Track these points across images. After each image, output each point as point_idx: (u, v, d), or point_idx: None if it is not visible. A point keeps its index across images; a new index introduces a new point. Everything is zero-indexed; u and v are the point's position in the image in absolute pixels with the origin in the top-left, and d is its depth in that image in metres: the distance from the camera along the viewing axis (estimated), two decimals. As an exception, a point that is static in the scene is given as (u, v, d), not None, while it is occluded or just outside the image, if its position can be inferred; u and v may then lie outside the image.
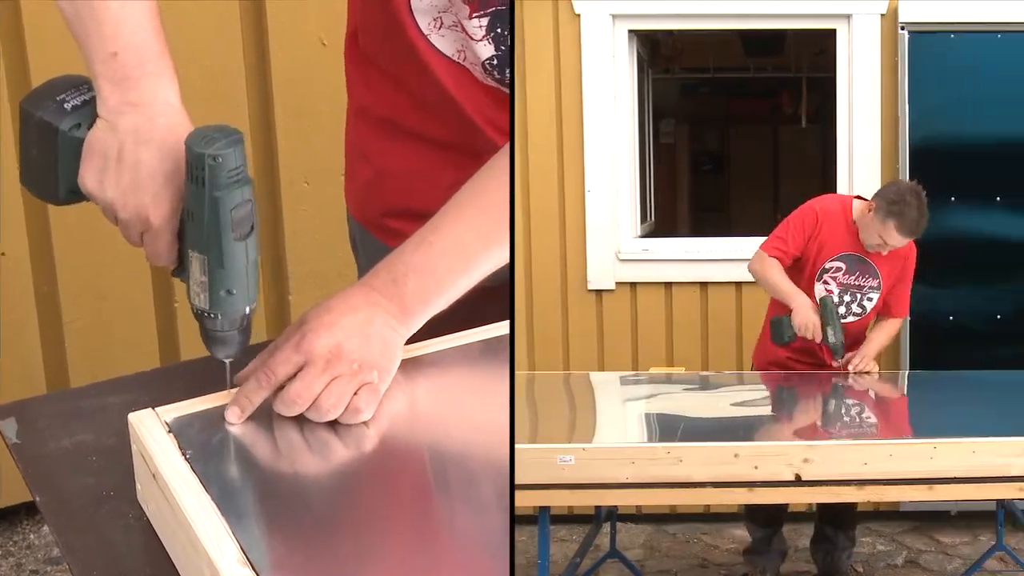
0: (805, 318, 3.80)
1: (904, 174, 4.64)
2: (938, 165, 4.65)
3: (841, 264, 3.93)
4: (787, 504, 3.92)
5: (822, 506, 4.11)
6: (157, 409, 1.57)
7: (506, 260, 1.74)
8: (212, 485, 1.40)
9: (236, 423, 1.58)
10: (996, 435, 2.78)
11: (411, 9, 1.85)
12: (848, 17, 4.79)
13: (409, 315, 1.67)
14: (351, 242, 2.38)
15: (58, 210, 3.81)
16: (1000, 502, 3.94)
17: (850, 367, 3.87)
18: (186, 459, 1.46)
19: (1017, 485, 2.72)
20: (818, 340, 3.82)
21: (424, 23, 1.87)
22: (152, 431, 1.51)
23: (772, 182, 7.98)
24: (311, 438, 1.56)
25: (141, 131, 1.53)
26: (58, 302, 3.93)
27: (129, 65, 1.53)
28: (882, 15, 4.74)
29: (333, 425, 1.58)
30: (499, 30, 1.85)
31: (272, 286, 4.04)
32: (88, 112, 1.57)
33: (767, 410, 3.88)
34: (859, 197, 4.04)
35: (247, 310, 1.61)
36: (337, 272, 3.87)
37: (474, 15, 1.83)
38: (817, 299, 3.87)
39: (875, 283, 3.93)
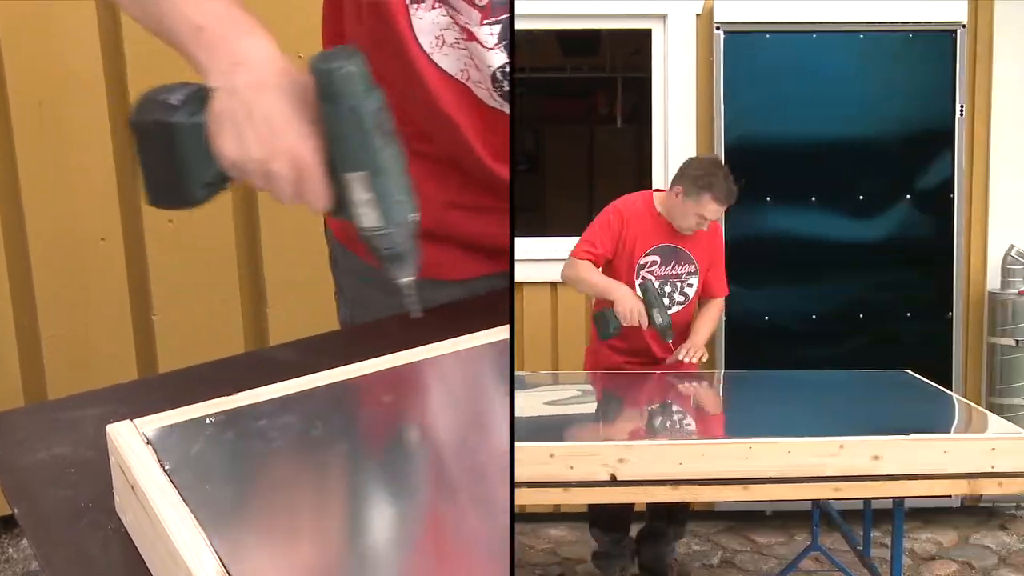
0: (628, 305, 3.80)
1: (719, 174, 4.65)
2: (753, 165, 4.68)
3: (655, 257, 3.95)
4: (632, 506, 3.95)
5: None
6: (135, 421, 1.52)
7: None
8: (191, 497, 1.37)
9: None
10: (811, 435, 2.78)
11: (412, 28, 1.80)
12: (663, 17, 4.80)
13: None
14: (330, 260, 2.31)
15: (35, 222, 3.85)
16: (815, 502, 3.96)
17: (682, 358, 3.89)
18: (165, 471, 1.42)
19: (832, 485, 2.73)
20: (644, 326, 3.83)
21: (426, 42, 1.82)
22: (130, 443, 1.47)
23: (587, 182, 8.03)
24: (297, 446, 1.51)
25: (259, 83, 1.53)
26: (36, 314, 3.94)
27: (219, 32, 1.54)
28: (697, 15, 4.76)
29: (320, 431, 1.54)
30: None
31: (249, 298, 4.04)
32: (196, 99, 1.56)
33: (582, 409, 3.83)
34: (657, 190, 4.12)
35: (417, 215, 1.61)
36: (313, 284, 3.82)
37: (485, 22, 1.79)
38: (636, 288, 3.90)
39: (691, 268, 3.98)
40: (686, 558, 4.59)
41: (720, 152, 4.66)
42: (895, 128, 4.70)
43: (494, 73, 1.84)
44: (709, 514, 4.91)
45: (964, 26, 4.62)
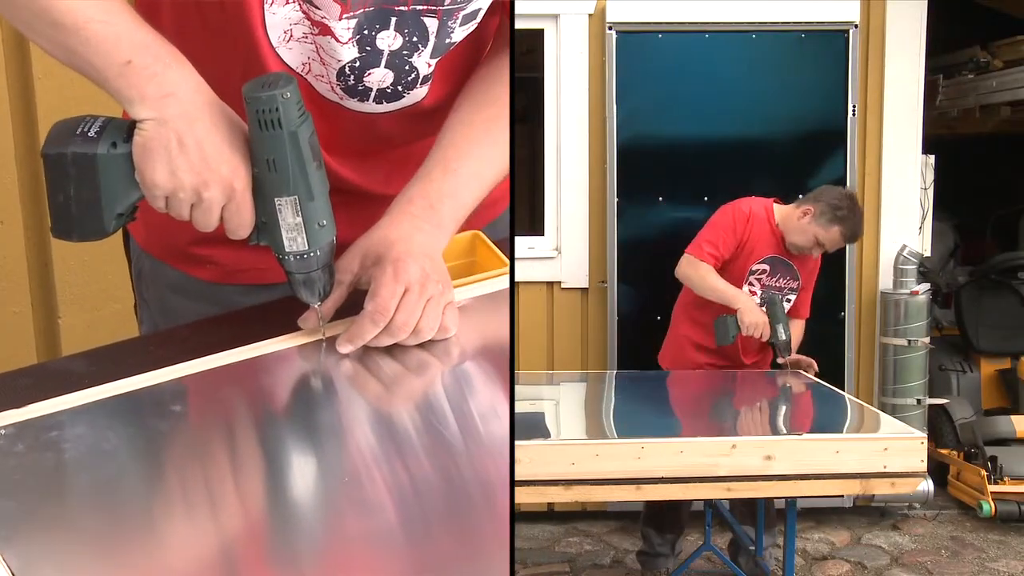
0: (755, 318, 3.82)
1: (612, 174, 4.64)
2: (646, 165, 4.68)
3: (766, 266, 3.98)
4: (688, 506, 4.00)
5: (738, 506, 4.04)
6: None
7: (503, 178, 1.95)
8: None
9: (349, 351, 1.74)
10: (703, 435, 2.75)
11: (264, 23, 1.79)
12: (556, 17, 4.77)
13: (446, 234, 1.86)
14: (135, 274, 2.27)
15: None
16: (707, 502, 3.93)
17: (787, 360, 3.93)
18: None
19: (724, 485, 2.70)
20: (766, 338, 3.86)
21: (275, 36, 1.81)
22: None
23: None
24: (90, 457, 1.51)
25: (189, 113, 1.58)
26: None
27: (148, 64, 1.57)
28: (590, 15, 4.74)
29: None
30: (366, 32, 1.82)
31: (40, 308, 3.90)
32: (112, 132, 1.59)
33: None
34: (777, 201, 4.06)
35: (333, 239, 1.70)
36: (108, 295, 3.78)
37: (344, 15, 1.78)
38: (760, 299, 3.94)
39: (795, 284, 4.02)
40: (577, 558, 4.55)
41: (612, 152, 4.63)
42: (788, 128, 4.72)
43: (343, 67, 1.86)
44: (601, 514, 4.90)
45: (856, 26, 4.65)
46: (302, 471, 1.51)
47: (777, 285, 3.99)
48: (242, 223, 1.64)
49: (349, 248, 1.82)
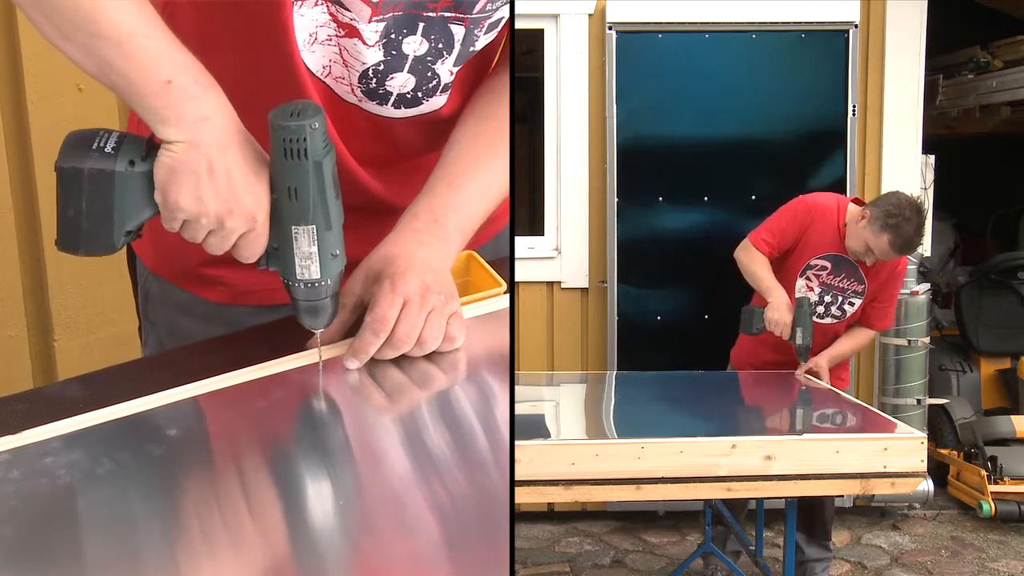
0: (779, 315, 3.76)
1: (612, 174, 4.63)
2: (646, 165, 4.67)
3: (827, 263, 3.85)
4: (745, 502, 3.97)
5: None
6: None
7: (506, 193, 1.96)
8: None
9: (357, 367, 1.75)
10: (703, 435, 2.74)
11: (293, 24, 1.78)
12: (556, 17, 4.77)
13: (452, 249, 1.87)
14: (141, 296, 2.25)
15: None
16: (707, 502, 3.93)
17: (798, 375, 3.79)
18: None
19: (724, 485, 2.70)
20: (785, 338, 3.78)
21: (301, 39, 1.81)
22: None
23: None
24: (85, 483, 1.49)
25: (221, 140, 1.58)
26: None
27: (187, 85, 1.56)
28: (590, 15, 4.74)
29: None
30: (393, 36, 1.81)
31: (36, 332, 3.89)
32: (130, 149, 1.58)
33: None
34: (856, 200, 3.95)
35: (343, 269, 1.70)
36: (104, 318, 3.77)
37: (374, 18, 1.78)
38: (795, 296, 3.82)
39: (860, 288, 3.86)
40: (577, 558, 4.55)
41: (612, 152, 4.63)
42: (788, 127, 4.71)
43: (367, 70, 1.86)
44: (601, 514, 4.90)
45: (856, 26, 4.65)
46: (303, 491, 1.49)
47: (839, 285, 3.85)
48: (256, 251, 1.65)
49: (354, 271, 1.82)
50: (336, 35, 1.80)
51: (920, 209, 3.69)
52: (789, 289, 3.83)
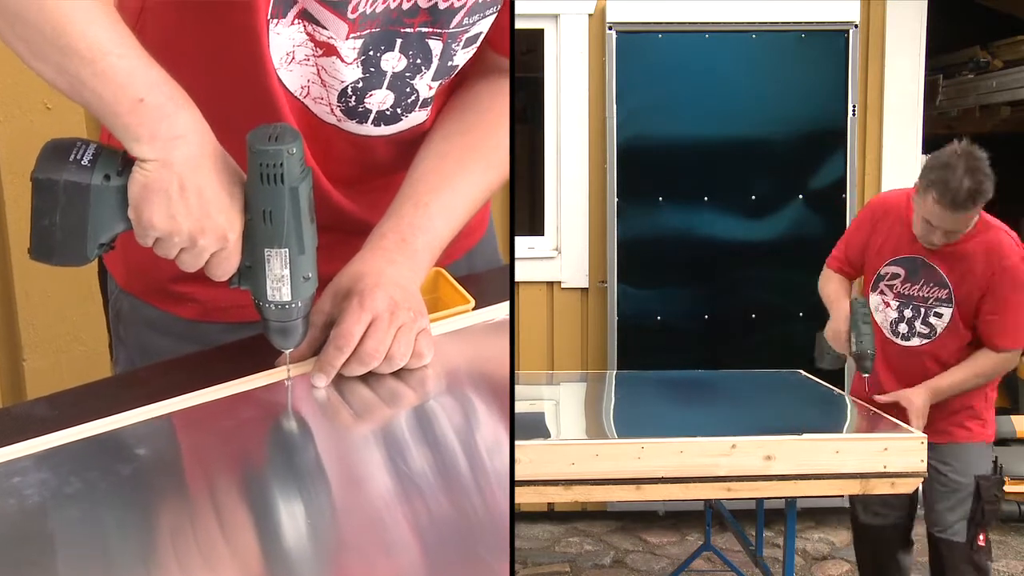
0: (833, 327, 3.26)
1: (612, 174, 4.64)
2: (646, 165, 4.67)
3: (899, 269, 3.22)
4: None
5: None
6: None
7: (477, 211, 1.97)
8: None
9: (324, 386, 1.74)
10: (703, 435, 2.74)
11: (269, 44, 1.77)
12: (556, 17, 4.77)
13: (420, 267, 1.86)
14: (112, 314, 2.23)
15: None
16: (707, 502, 3.93)
17: (882, 399, 3.15)
18: None
19: (724, 485, 2.70)
20: (843, 351, 3.27)
21: (277, 58, 1.80)
22: None
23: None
24: (53, 502, 1.47)
25: (194, 159, 1.57)
26: None
27: (161, 103, 1.56)
28: (590, 15, 4.75)
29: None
30: (371, 52, 1.81)
31: (4, 351, 3.87)
32: (106, 163, 1.58)
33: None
34: None
35: (314, 292, 1.70)
36: (72, 337, 3.74)
37: (351, 35, 1.77)
38: (873, 312, 3.26)
39: (943, 293, 3.14)
40: (578, 558, 4.55)
41: (612, 152, 4.63)
42: (788, 128, 4.71)
43: (345, 88, 1.86)
44: (601, 514, 4.90)
45: (856, 26, 4.65)
46: (274, 508, 1.48)
47: (918, 294, 3.17)
48: (228, 270, 1.64)
49: (324, 289, 1.81)
50: (313, 55, 1.80)
51: (971, 153, 2.97)
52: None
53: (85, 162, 1.57)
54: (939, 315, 3.14)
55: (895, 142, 4.80)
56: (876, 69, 4.77)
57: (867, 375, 3.17)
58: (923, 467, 2.75)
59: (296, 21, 1.75)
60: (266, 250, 1.62)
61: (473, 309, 1.91)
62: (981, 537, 3.24)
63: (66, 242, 1.61)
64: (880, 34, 4.75)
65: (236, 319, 1.98)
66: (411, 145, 1.98)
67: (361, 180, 2.01)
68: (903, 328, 3.20)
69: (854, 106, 4.67)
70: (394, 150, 1.98)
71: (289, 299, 1.65)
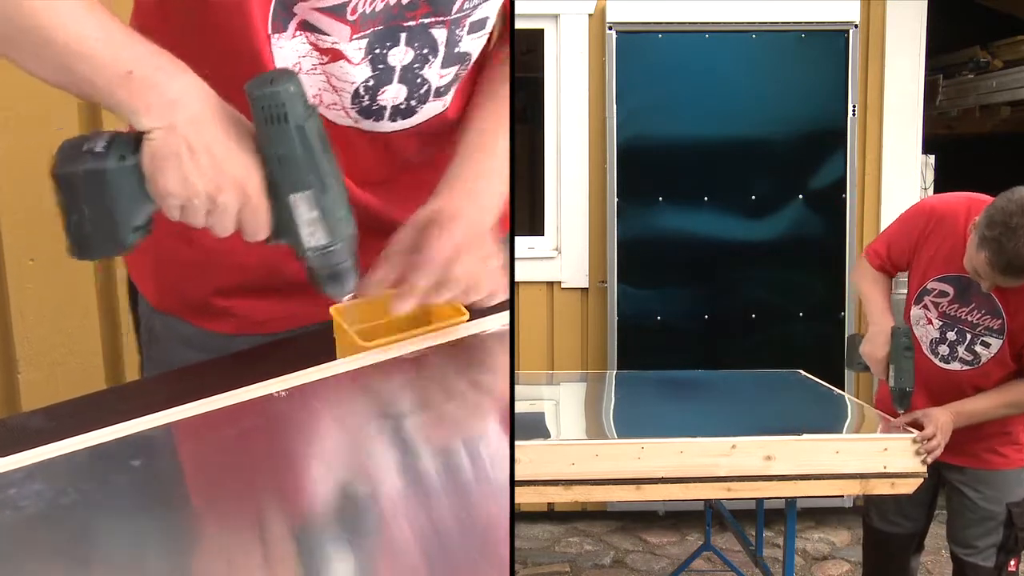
0: (871, 348, 3.02)
1: (612, 174, 4.63)
2: (646, 165, 4.67)
3: (948, 288, 2.99)
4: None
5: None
6: None
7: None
8: None
9: (407, 311, 1.75)
10: (703, 435, 2.74)
11: (273, 58, 1.77)
12: (556, 17, 4.77)
13: (489, 213, 1.86)
14: (144, 334, 2.21)
15: None
16: (707, 502, 3.93)
17: (901, 419, 2.91)
18: None
19: (724, 485, 2.70)
20: (880, 377, 3.07)
21: None
22: None
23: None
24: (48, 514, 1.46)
25: (196, 118, 1.56)
26: None
27: (149, 74, 1.55)
28: (590, 15, 4.75)
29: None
30: (377, 50, 1.81)
31: (0, 364, 3.86)
32: (120, 145, 1.58)
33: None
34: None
35: (355, 230, 1.67)
36: (68, 349, 3.70)
37: (355, 37, 1.77)
38: (913, 326, 3.08)
39: (996, 324, 2.92)
40: (578, 558, 4.55)
41: (612, 153, 4.63)
42: (788, 128, 4.71)
43: (357, 89, 1.85)
44: (601, 514, 4.90)
45: (856, 26, 4.65)
46: (274, 513, 1.48)
47: (966, 318, 2.95)
48: (259, 225, 1.62)
49: (401, 226, 1.81)
50: (320, 63, 1.80)
51: None
52: (908, 321, 3.11)
53: (99, 149, 1.57)
54: (987, 344, 2.93)
55: (895, 142, 4.80)
56: (876, 69, 4.77)
57: (902, 410, 2.92)
58: (923, 467, 2.75)
59: (297, 33, 1.75)
60: (290, 197, 1.60)
61: (467, 320, 1.88)
62: (1013, 563, 3.14)
63: (98, 232, 1.61)
64: (880, 34, 4.75)
65: (272, 330, 1.98)
66: (433, 136, 1.98)
67: (387, 178, 2.01)
68: (943, 350, 3.01)
69: (854, 106, 4.67)
70: (416, 143, 1.98)
71: (327, 241, 1.63)
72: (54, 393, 1.94)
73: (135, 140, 1.57)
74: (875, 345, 3.00)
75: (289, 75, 1.57)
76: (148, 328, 2.19)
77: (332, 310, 1.82)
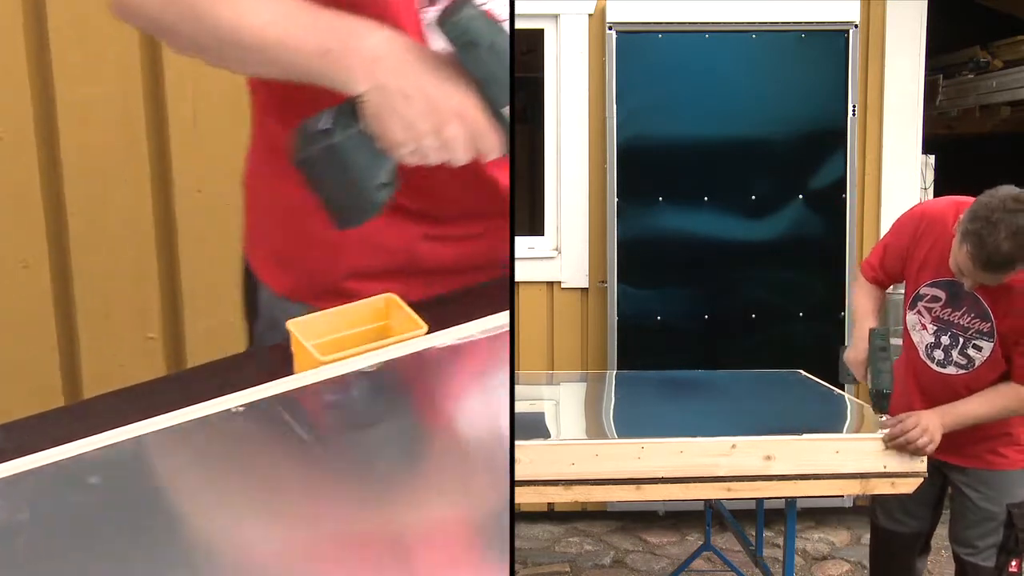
0: (854, 353, 3.09)
1: (612, 174, 4.63)
2: (646, 165, 4.67)
3: (940, 292, 3.01)
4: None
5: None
6: None
7: None
8: None
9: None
10: (703, 435, 2.74)
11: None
12: (556, 17, 4.77)
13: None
14: (265, 324, 2.21)
15: None
16: (707, 502, 3.93)
17: (888, 433, 2.75)
18: None
19: (724, 485, 2.70)
20: (861, 380, 3.12)
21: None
22: None
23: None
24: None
25: (399, 68, 1.65)
26: None
27: (345, 45, 1.65)
28: (590, 15, 4.74)
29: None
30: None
31: None
32: (342, 116, 1.67)
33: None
34: None
35: None
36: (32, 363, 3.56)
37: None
38: (909, 331, 3.11)
39: (985, 326, 2.93)
40: (578, 558, 4.55)
41: (612, 153, 4.63)
42: (788, 128, 4.71)
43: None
44: (601, 514, 4.90)
45: (856, 26, 4.64)
46: (255, 517, 1.46)
47: (958, 322, 2.97)
48: (493, 143, 1.70)
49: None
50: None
51: (1015, 207, 2.68)
52: (904, 324, 3.14)
53: (326, 126, 1.67)
54: (979, 348, 2.95)
55: (895, 142, 4.80)
56: (876, 69, 4.77)
57: (883, 416, 2.86)
58: (923, 467, 2.75)
59: None
60: (502, 111, 1.69)
61: (426, 334, 1.82)
62: (1014, 563, 3.15)
63: (351, 199, 1.72)
64: (880, 34, 4.75)
65: None
66: None
67: None
68: (939, 355, 3.02)
69: (854, 106, 4.66)
70: None
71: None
72: (7, 412, 1.89)
73: (355, 107, 1.67)
74: (857, 350, 3.10)
75: (466, 1, 1.64)
76: (269, 319, 2.19)
77: (289, 324, 1.82)
